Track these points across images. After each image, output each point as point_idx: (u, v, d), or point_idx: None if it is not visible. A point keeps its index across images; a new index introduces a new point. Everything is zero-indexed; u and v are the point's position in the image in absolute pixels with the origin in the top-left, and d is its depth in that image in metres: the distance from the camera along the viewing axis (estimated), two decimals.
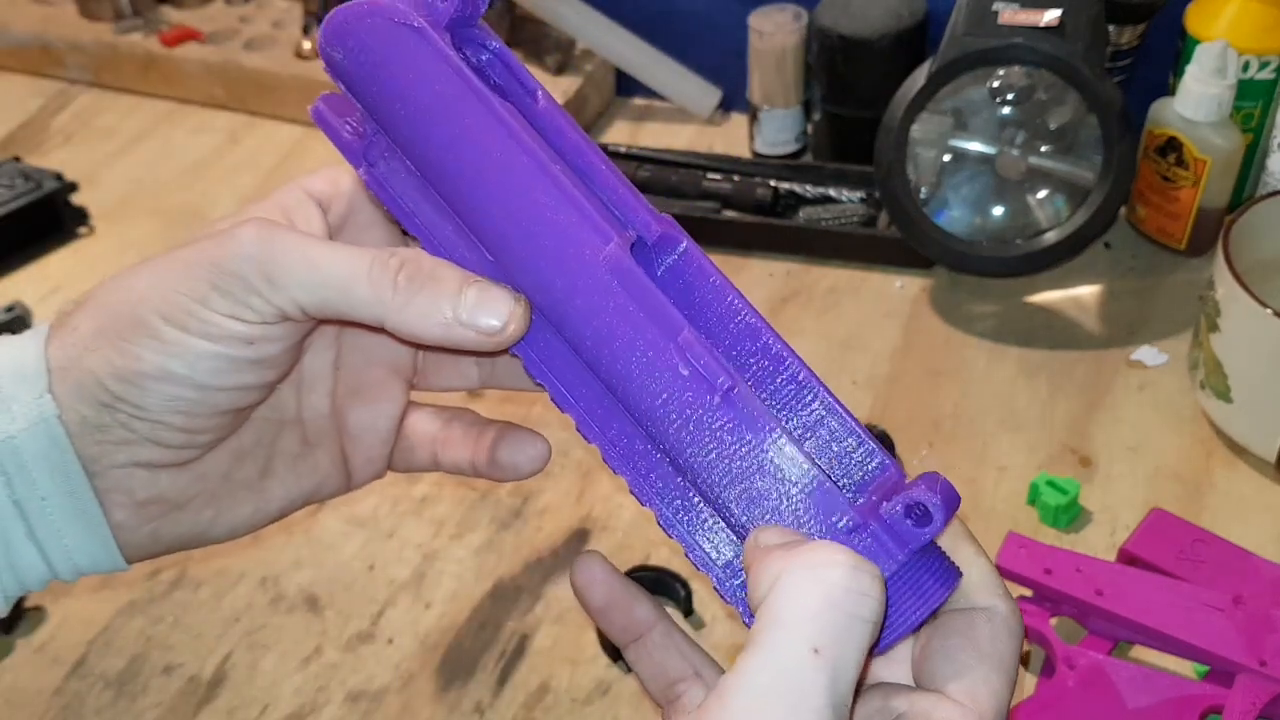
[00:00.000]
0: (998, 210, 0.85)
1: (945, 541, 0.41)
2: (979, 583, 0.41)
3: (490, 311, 0.40)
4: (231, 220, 0.43)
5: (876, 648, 0.36)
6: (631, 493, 0.41)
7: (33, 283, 0.94)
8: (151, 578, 0.72)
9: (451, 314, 0.40)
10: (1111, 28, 0.86)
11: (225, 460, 0.45)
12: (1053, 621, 0.62)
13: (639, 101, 1.09)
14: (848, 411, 0.40)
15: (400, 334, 0.41)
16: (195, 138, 1.09)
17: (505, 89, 0.43)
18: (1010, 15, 0.79)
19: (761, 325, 0.40)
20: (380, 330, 0.42)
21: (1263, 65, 0.83)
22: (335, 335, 0.47)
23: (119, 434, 0.42)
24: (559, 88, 1.03)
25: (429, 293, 0.40)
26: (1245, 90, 0.83)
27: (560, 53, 1.05)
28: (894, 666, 0.42)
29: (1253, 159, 0.87)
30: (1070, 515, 0.71)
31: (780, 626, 0.34)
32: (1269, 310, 0.68)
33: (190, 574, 0.72)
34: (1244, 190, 0.89)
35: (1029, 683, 0.64)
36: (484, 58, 0.43)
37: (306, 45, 1.08)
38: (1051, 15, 0.78)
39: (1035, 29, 0.78)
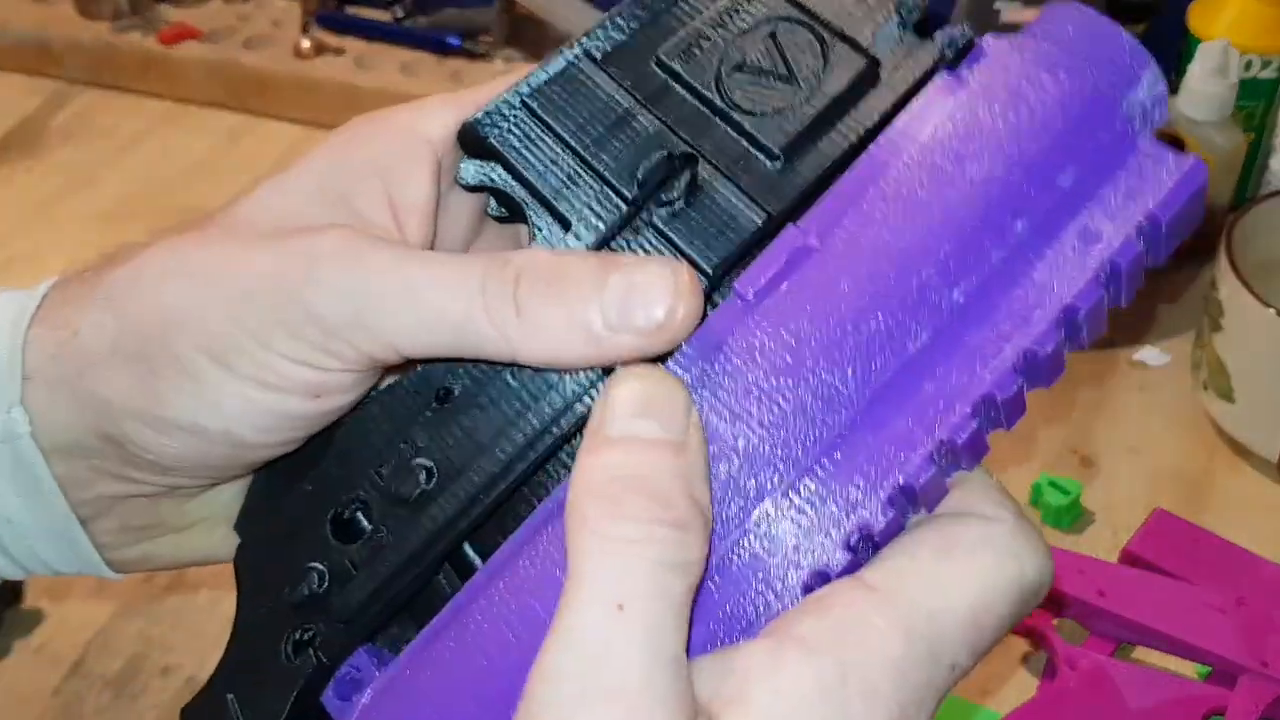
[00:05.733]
0: None
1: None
2: (980, 491, 0.31)
3: (647, 298, 0.29)
4: (296, 208, 0.35)
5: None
6: None
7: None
8: (149, 580, 0.72)
9: (599, 320, 0.29)
10: None
11: (242, 486, 0.38)
12: (1055, 623, 0.62)
13: None
14: None
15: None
16: (194, 137, 1.09)
17: None
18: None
19: None
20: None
21: (1265, 64, 0.83)
22: None
23: (113, 467, 0.35)
24: None
25: (558, 301, 0.29)
26: (1247, 89, 0.83)
27: None
28: None
29: (1255, 158, 0.87)
30: (1072, 516, 0.71)
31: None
32: (1272, 310, 0.68)
33: (188, 576, 0.72)
34: (1246, 189, 0.89)
35: (1031, 684, 0.63)
36: None
37: (305, 44, 1.08)
38: None
39: None
